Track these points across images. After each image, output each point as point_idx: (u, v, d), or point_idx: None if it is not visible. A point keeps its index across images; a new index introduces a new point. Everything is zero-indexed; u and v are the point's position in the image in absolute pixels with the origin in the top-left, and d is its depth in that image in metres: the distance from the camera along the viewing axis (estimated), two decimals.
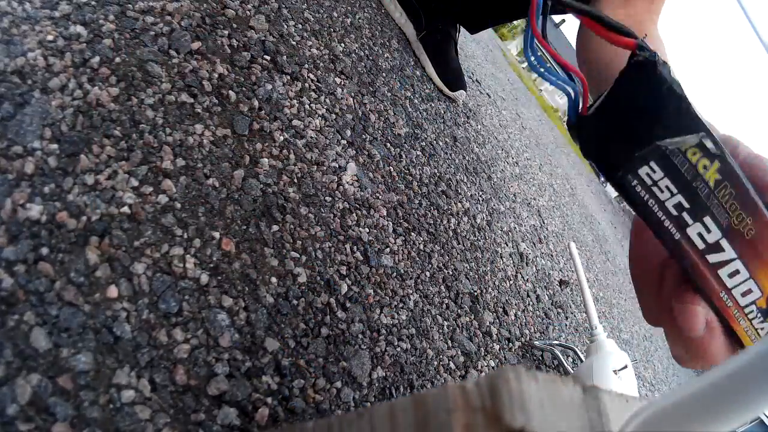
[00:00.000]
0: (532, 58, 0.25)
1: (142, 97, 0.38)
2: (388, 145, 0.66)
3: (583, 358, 0.67)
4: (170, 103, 0.40)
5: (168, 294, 0.31)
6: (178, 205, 0.36)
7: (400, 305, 0.49)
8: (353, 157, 0.56)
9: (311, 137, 0.52)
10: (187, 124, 0.40)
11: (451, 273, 0.60)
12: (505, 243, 0.83)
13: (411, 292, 0.52)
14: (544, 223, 1.16)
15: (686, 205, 0.22)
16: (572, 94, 0.24)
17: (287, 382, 0.34)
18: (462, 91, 1.01)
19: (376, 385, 0.41)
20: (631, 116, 0.22)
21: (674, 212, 0.22)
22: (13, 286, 0.26)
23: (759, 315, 0.23)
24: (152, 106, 0.38)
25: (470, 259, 0.67)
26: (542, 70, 0.25)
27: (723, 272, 0.22)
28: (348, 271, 0.45)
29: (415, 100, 0.84)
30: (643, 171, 0.22)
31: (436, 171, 0.74)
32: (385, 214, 0.55)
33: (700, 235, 0.22)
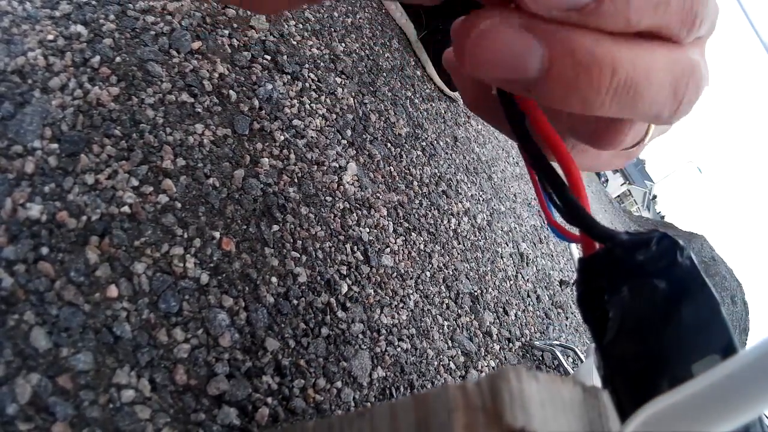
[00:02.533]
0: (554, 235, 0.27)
1: (142, 97, 0.38)
2: (389, 144, 0.66)
3: (584, 359, 0.67)
4: (171, 103, 0.40)
5: (168, 294, 0.31)
6: (179, 205, 0.36)
7: (401, 305, 0.49)
8: (354, 157, 0.56)
9: (312, 137, 0.52)
10: (188, 123, 0.40)
11: (451, 273, 0.60)
12: (506, 243, 0.83)
13: (411, 292, 0.52)
14: (544, 223, 1.16)
15: None
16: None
17: (287, 382, 0.34)
18: None
19: (377, 385, 0.41)
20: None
21: None
22: (13, 286, 0.26)
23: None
24: (152, 106, 0.38)
25: (470, 259, 0.67)
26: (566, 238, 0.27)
27: None
28: (348, 271, 0.45)
29: (416, 100, 0.84)
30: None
31: (436, 171, 0.74)
32: (385, 214, 0.55)
33: None
